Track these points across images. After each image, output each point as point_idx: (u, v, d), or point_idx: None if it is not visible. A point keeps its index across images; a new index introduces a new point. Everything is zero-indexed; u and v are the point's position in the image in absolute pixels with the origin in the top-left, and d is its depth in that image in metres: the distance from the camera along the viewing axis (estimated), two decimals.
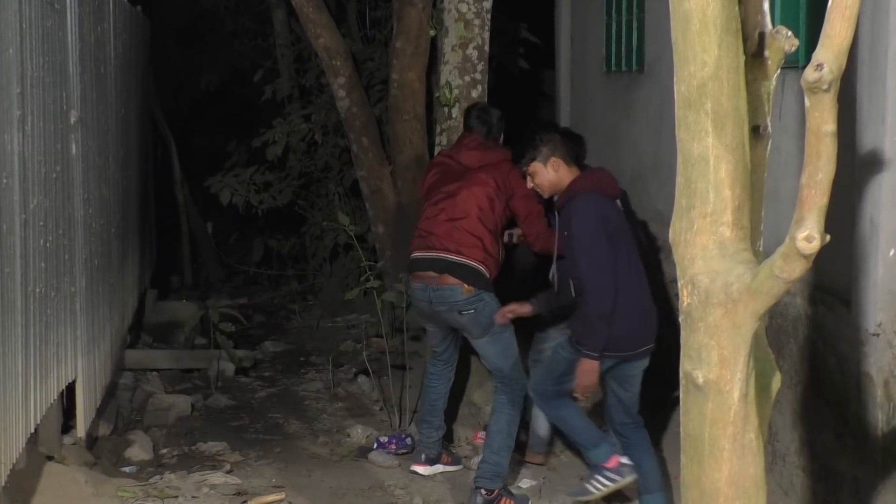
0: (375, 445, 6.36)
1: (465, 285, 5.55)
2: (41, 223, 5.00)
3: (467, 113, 6.21)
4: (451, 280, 5.57)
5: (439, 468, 6.07)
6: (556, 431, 5.99)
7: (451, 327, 5.81)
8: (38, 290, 4.90)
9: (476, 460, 5.91)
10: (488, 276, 5.62)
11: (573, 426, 5.22)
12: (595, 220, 4.95)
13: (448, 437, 6.35)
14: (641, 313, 5.08)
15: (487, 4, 6.84)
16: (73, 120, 5.76)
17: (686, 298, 2.49)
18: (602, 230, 4.95)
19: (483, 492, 5.46)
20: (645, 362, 5.16)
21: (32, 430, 4.83)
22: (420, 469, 6.02)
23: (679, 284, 2.51)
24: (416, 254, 5.74)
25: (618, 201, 5.20)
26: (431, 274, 5.62)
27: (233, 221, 11.74)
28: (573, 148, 5.49)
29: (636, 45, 8.07)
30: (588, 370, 4.95)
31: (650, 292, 5.16)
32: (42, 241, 5.01)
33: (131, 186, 8.35)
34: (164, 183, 11.57)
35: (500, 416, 5.62)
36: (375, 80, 9.60)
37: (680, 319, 2.53)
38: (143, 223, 9.36)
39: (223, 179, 10.28)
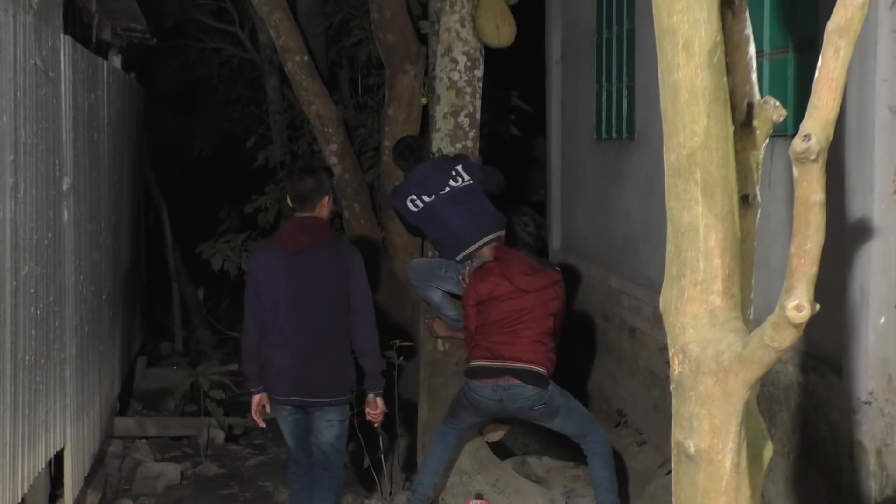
0: None
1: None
2: (32, 290, 4.99)
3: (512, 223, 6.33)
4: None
5: None
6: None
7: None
8: (27, 357, 4.87)
9: None
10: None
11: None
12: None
13: None
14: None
15: (479, 73, 6.91)
16: (65, 187, 5.77)
17: (677, 367, 2.48)
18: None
19: None
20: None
21: (19, 500, 4.78)
22: None
23: (670, 353, 2.50)
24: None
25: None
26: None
27: (224, 288, 11.73)
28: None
29: (626, 113, 8.14)
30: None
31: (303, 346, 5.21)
32: (32, 309, 4.99)
33: (123, 252, 8.35)
34: (156, 248, 11.58)
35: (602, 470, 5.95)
36: (367, 147, 9.67)
37: (671, 388, 2.52)
38: (133, 289, 9.34)
39: (215, 245, 10.30)
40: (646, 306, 7.33)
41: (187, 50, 12.53)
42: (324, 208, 5.21)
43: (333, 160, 8.55)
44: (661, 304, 2.51)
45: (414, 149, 6.88)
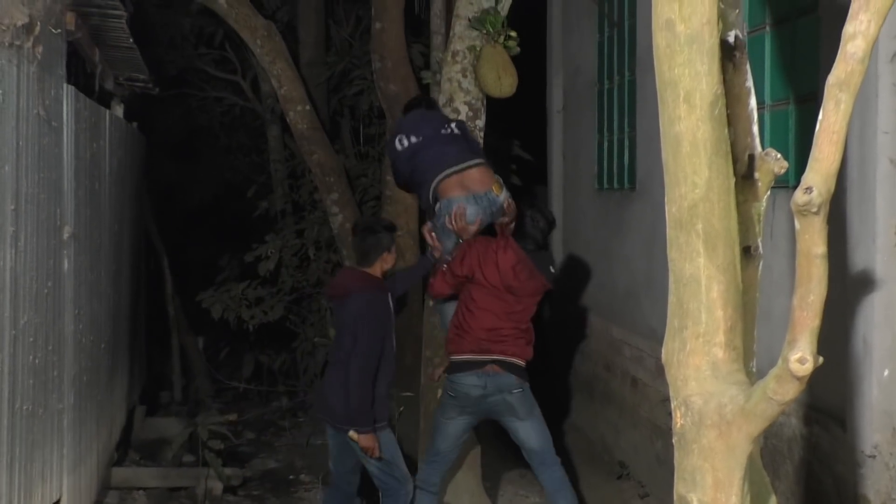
0: None
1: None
2: (31, 339, 4.98)
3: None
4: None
5: None
6: None
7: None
8: (25, 407, 4.86)
9: None
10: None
11: None
12: None
13: None
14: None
15: (480, 122, 6.95)
16: (65, 236, 5.78)
17: (679, 420, 2.47)
18: None
19: None
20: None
21: None
22: None
23: (672, 405, 2.50)
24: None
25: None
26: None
27: (224, 336, 11.70)
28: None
29: (627, 163, 8.17)
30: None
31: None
32: (31, 358, 4.98)
33: (122, 301, 8.34)
34: (156, 296, 11.57)
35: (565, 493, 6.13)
36: (369, 196, 9.70)
37: (673, 441, 2.51)
38: (133, 337, 9.32)
39: (215, 294, 10.29)
40: (648, 357, 7.31)
41: (189, 98, 12.60)
42: (385, 263, 5.99)
43: (334, 210, 8.58)
44: (663, 356, 2.51)
45: (424, 102, 6.91)
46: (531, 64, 8.89)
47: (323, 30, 11.11)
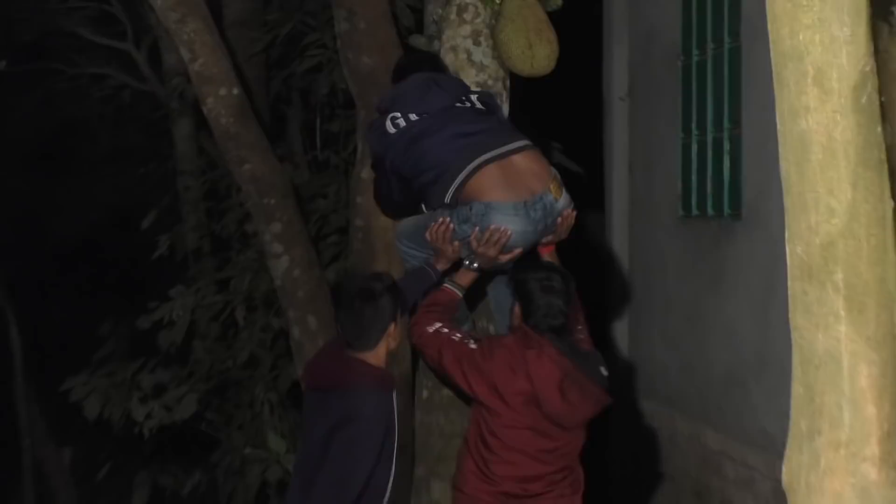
0: None
1: None
2: None
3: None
4: None
5: None
6: None
7: None
8: None
9: None
10: None
11: None
12: None
13: None
14: None
15: (500, 114, 6.93)
16: None
17: None
18: None
19: None
20: None
21: None
22: None
23: None
24: None
25: None
26: None
27: (104, 446, 11.68)
28: None
29: (729, 178, 8.19)
30: None
31: None
32: None
33: None
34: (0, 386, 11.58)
35: None
36: (330, 229, 9.71)
37: None
38: None
39: (90, 380, 10.27)
40: (761, 478, 7.31)
41: (53, 78, 12.65)
42: (392, 340, 5.92)
43: (277, 248, 8.58)
44: (783, 476, 2.51)
45: (427, 63, 6.84)
46: (580, 27, 8.94)
47: None
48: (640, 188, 9.85)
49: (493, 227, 5.98)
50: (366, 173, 7.85)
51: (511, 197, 6.02)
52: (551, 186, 6.12)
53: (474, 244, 6.05)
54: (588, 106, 10.80)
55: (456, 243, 6.15)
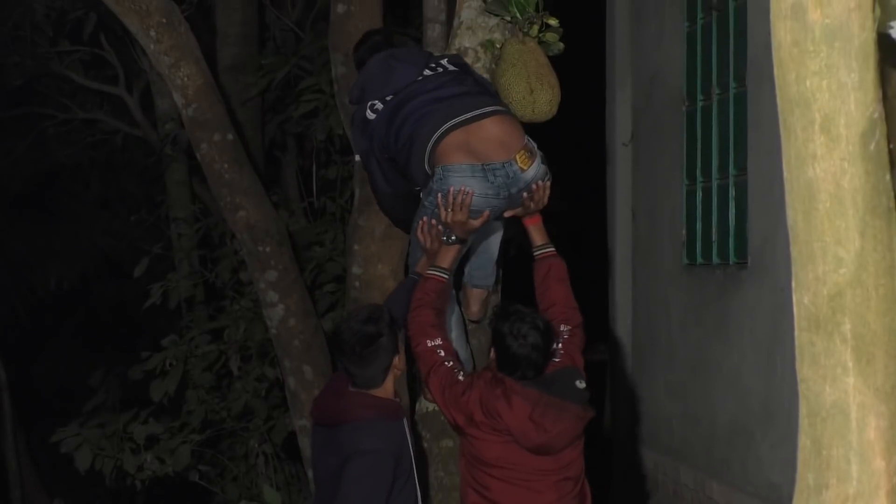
0: None
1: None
2: None
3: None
4: None
5: None
6: None
7: None
8: None
9: None
10: None
11: None
12: None
13: None
14: None
15: None
16: None
17: None
18: None
19: None
20: None
21: None
22: None
23: None
24: None
25: None
26: None
27: (96, 498, 11.65)
28: None
29: (734, 225, 8.19)
30: None
31: None
32: None
33: None
34: None
35: None
36: (326, 277, 9.71)
37: None
38: None
39: (81, 431, 10.25)
40: None
41: (44, 122, 12.66)
42: (397, 370, 6.01)
43: (272, 296, 8.58)
44: None
45: (382, 38, 6.98)
46: (582, 70, 8.95)
47: (255, 16, 11.19)
48: (644, 235, 9.85)
49: (451, 188, 6.08)
50: (363, 220, 7.86)
51: (469, 160, 6.13)
52: (517, 157, 6.18)
53: (442, 213, 6.13)
54: (591, 151, 10.81)
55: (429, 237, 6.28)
